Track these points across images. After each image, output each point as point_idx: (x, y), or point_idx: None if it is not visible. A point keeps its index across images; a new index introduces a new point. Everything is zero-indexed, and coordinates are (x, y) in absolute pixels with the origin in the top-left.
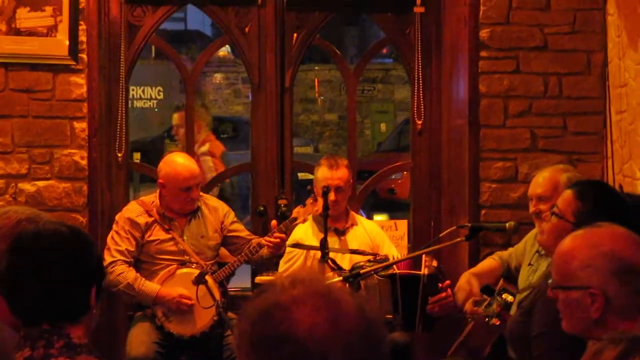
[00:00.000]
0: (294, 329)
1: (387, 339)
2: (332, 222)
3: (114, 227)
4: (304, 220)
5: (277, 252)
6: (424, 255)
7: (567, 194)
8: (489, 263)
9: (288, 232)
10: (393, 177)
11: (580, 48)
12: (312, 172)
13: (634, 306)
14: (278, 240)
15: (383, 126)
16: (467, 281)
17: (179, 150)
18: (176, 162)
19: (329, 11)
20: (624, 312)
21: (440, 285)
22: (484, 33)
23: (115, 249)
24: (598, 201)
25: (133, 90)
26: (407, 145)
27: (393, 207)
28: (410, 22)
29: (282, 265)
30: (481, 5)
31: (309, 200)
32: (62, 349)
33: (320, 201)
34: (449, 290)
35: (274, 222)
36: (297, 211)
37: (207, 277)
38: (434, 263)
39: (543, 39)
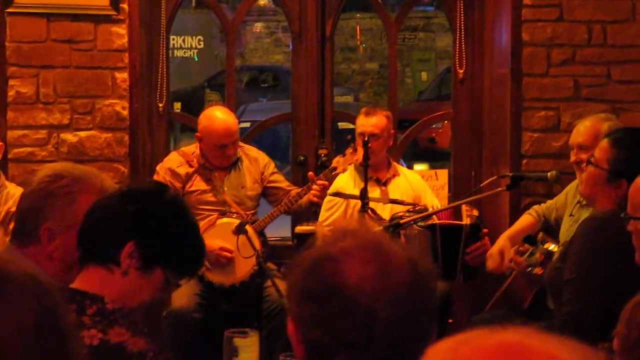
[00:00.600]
0: (342, 280)
1: (436, 293)
2: (373, 172)
3: (155, 177)
4: (344, 170)
5: (321, 200)
6: (464, 205)
7: (604, 142)
8: (525, 220)
9: (328, 181)
10: (434, 126)
11: None
12: (352, 122)
13: None
14: (321, 187)
15: (424, 75)
16: (501, 247)
17: (219, 104)
18: (215, 117)
19: None
20: None
21: (480, 234)
22: None
23: None
24: (632, 148)
25: (173, 39)
26: (448, 94)
27: (434, 157)
28: None
29: (323, 214)
30: None
31: (349, 150)
32: (94, 317)
33: (360, 151)
34: (486, 238)
35: (310, 173)
36: (336, 161)
37: (248, 227)
38: (475, 212)
39: None
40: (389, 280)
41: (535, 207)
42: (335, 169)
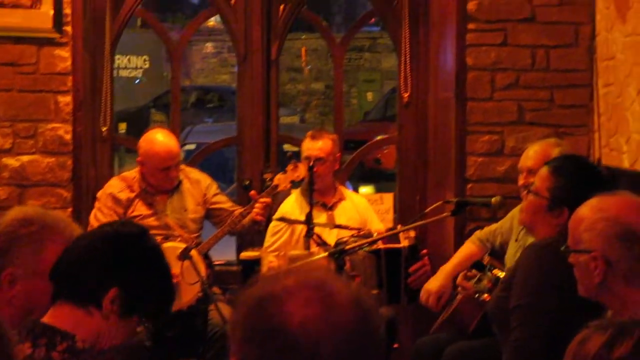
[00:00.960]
0: (285, 321)
1: (382, 329)
2: (319, 197)
3: (96, 204)
4: (285, 188)
5: (264, 218)
6: (399, 227)
7: (543, 170)
8: (468, 249)
9: (270, 199)
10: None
11: (568, 20)
12: (298, 146)
13: (637, 272)
14: (263, 205)
15: (370, 95)
16: (437, 293)
17: (160, 126)
18: (156, 140)
19: None
20: (627, 278)
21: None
22: (471, 5)
23: None
24: (573, 176)
25: (118, 59)
26: (393, 115)
27: (379, 178)
28: None
29: (268, 239)
30: None
31: (290, 167)
32: (64, 354)
33: (303, 168)
34: (426, 259)
35: (253, 192)
36: (278, 178)
37: (192, 252)
38: (412, 233)
39: (531, 10)
40: (332, 320)
41: (477, 233)
42: (277, 186)
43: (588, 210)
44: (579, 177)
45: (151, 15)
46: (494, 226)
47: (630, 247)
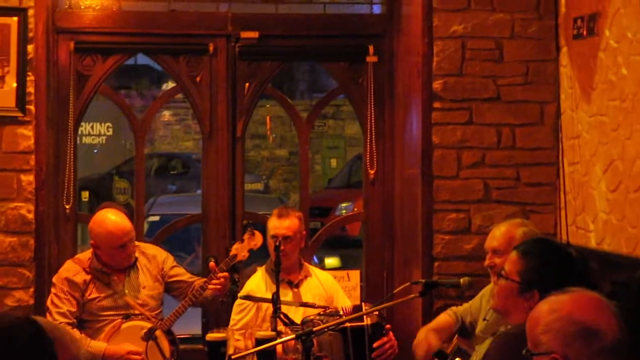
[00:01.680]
0: None
1: None
2: (285, 274)
3: (52, 289)
4: (244, 257)
5: (224, 292)
6: (364, 305)
7: (512, 255)
8: (444, 318)
9: (233, 273)
10: (343, 212)
11: (533, 99)
12: (264, 223)
13: None
14: (222, 280)
15: (334, 162)
16: (426, 336)
17: (109, 205)
18: (107, 221)
19: (281, 61)
20: None
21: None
22: (437, 84)
23: (57, 312)
24: (541, 258)
25: (81, 126)
26: (357, 182)
27: (344, 245)
28: (363, 72)
29: (234, 318)
30: (434, 56)
31: (246, 235)
32: None
33: (259, 236)
34: (390, 334)
35: (211, 263)
36: (235, 248)
37: (157, 332)
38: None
39: (496, 90)
40: None
41: (454, 308)
42: (235, 256)
43: (543, 311)
44: (547, 259)
45: (114, 93)
46: (465, 305)
47: (588, 344)
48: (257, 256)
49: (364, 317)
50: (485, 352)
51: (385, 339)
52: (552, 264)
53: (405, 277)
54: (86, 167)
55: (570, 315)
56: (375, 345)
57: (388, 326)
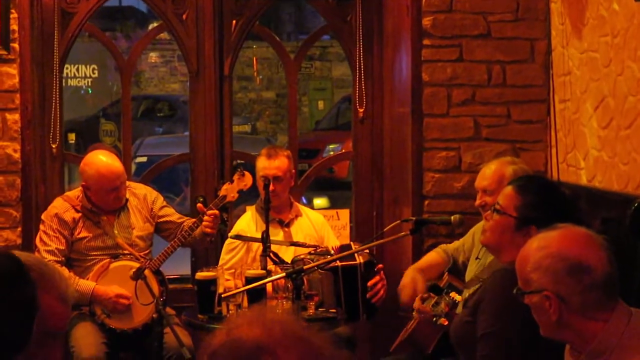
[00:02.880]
0: None
1: None
2: (275, 214)
3: (41, 227)
4: (233, 197)
5: (214, 231)
6: (352, 244)
7: (508, 189)
8: (433, 257)
9: (223, 212)
10: (331, 153)
11: (524, 36)
12: (252, 162)
13: (591, 303)
14: (212, 217)
15: (321, 104)
16: (412, 279)
17: (101, 146)
18: (99, 163)
19: None
20: (582, 310)
21: (375, 269)
22: (426, 21)
23: (45, 250)
24: (538, 194)
25: (67, 69)
26: (345, 123)
27: (332, 187)
28: (351, 9)
29: (223, 257)
30: None
31: (236, 176)
32: None
33: (249, 176)
34: (382, 273)
35: (199, 205)
36: (225, 188)
37: (146, 272)
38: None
39: (486, 26)
40: None
41: (442, 246)
42: (224, 197)
43: (532, 249)
44: (545, 195)
45: (99, 31)
46: (457, 243)
47: (579, 280)
48: (247, 196)
49: (356, 256)
50: (483, 287)
51: (377, 278)
52: (548, 200)
53: (395, 215)
54: (72, 109)
55: (559, 251)
56: (369, 284)
57: (380, 266)
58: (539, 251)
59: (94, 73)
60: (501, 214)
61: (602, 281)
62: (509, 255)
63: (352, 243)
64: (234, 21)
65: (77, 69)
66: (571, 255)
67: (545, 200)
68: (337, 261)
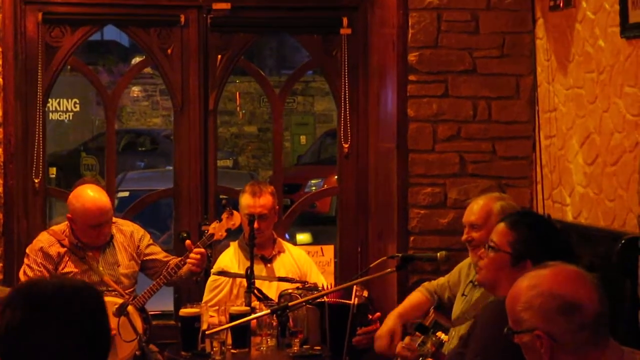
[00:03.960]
0: None
1: None
2: (258, 250)
3: (25, 260)
4: (221, 236)
5: (199, 269)
6: (355, 285)
7: (500, 226)
8: (416, 297)
9: (206, 249)
10: (313, 188)
11: (509, 72)
12: (236, 197)
13: (583, 342)
14: (199, 256)
15: (303, 138)
16: (389, 329)
17: (91, 181)
18: (86, 197)
19: (254, 33)
20: (574, 350)
21: (370, 316)
22: (412, 56)
23: None
24: (531, 229)
25: (49, 102)
26: (327, 158)
27: (315, 222)
28: (337, 44)
29: (207, 294)
30: (409, 28)
31: (225, 215)
32: None
33: (237, 215)
34: (378, 323)
35: (188, 241)
36: (213, 227)
37: (129, 308)
38: (365, 293)
39: (472, 62)
40: None
41: (426, 284)
42: (212, 235)
43: (522, 288)
44: (537, 230)
45: (84, 64)
46: (441, 279)
47: (570, 319)
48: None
49: (352, 296)
50: (475, 318)
51: (373, 327)
52: (541, 235)
53: (380, 251)
54: (53, 143)
55: (550, 290)
56: (361, 331)
57: (378, 314)
58: (530, 290)
59: (75, 107)
60: (496, 250)
61: (594, 320)
62: (505, 291)
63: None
64: (219, 56)
65: (59, 103)
66: (563, 293)
67: (538, 234)
68: (325, 297)
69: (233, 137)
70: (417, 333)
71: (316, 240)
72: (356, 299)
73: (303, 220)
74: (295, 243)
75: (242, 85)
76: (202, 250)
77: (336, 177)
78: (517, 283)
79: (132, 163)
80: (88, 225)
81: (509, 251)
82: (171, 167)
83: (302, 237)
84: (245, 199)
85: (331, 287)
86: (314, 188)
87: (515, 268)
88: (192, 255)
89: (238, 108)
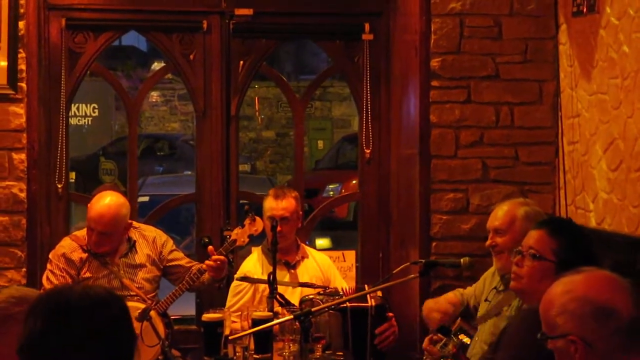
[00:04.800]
0: None
1: None
2: (282, 255)
3: (48, 266)
4: (244, 242)
5: (219, 275)
6: (366, 287)
7: (538, 233)
8: (452, 295)
9: (229, 255)
10: (331, 193)
11: (532, 77)
12: (259, 203)
13: (618, 348)
14: (219, 262)
15: (320, 143)
16: (442, 303)
17: (110, 187)
18: (95, 203)
19: (276, 39)
20: (609, 356)
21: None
22: (434, 62)
23: None
24: (572, 236)
25: None
26: (345, 163)
27: (333, 227)
28: (359, 50)
29: (230, 299)
30: (432, 34)
31: (247, 221)
32: None
33: (260, 221)
34: (393, 320)
35: (210, 247)
36: (235, 233)
37: (152, 313)
38: (379, 293)
39: (495, 68)
40: None
41: (460, 289)
42: (235, 241)
43: (556, 293)
44: (578, 237)
45: (107, 70)
46: (470, 288)
47: (605, 324)
48: (253, 237)
49: (368, 298)
50: (505, 327)
51: (387, 325)
52: (583, 240)
53: (402, 257)
54: (73, 148)
55: (585, 295)
56: (377, 331)
57: (391, 314)
58: (564, 295)
59: (94, 112)
60: (538, 259)
61: (628, 325)
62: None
63: (366, 286)
64: (242, 62)
65: (78, 108)
66: (597, 298)
67: (580, 241)
68: (347, 302)
69: (251, 142)
70: (439, 334)
71: (336, 246)
72: (372, 300)
73: (322, 226)
74: (315, 248)
75: (261, 90)
76: (222, 257)
77: (355, 182)
78: (552, 288)
79: (150, 168)
80: (89, 227)
81: (553, 260)
82: (190, 172)
83: (322, 242)
84: (269, 202)
85: (352, 291)
86: (332, 193)
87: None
88: (207, 262)
89: (257, 113)
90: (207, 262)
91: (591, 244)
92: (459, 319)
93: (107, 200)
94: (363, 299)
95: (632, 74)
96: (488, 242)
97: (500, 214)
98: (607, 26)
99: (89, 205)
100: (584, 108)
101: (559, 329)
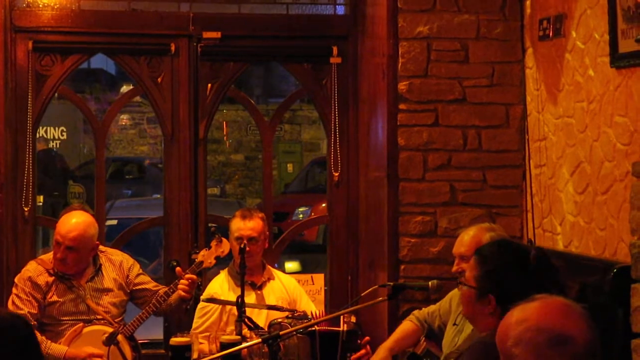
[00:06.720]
0: None
1: None
2: (248, 276)
3: (14, 290)
4: (210, 264)
5: (190, 295)
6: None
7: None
8: (407, 327)
9: (196, 276)
10: (301, 216)
11: (499, 101)
12: (226, 225)
13: None
14: (189, 281)
15: (290, 167)
16: (387, 348)
17: (79, 208)
18: (68, 217)
19: (244, 62)
20: None
21: (359, 341)
22: (402, 85)
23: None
24: (495, 263)
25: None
26: (314, 187)
27: (303, 250)
28: (327, 73)
29: (197, 321)
30: (399, 57)
31: (214, 242)
32: None
33: (226, 242)
34: (367, 347)
35: (178, 268)
36: (202, 255)
37: (119, 337)
38: (352, 319)
39: (462, 91)
40: None
41: (416, 312)
42: (201, 263)
43: (511, 323)
44: (503, 263)
45: (74, 93)
46: (432, 307)
47: (562, 352)
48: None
49: (341, 322)
50: (460, 357)
51: (363, 351)
52: (507, 267)
53: (371, 280)
54: (40, 171)
55: (538, 324)
56: (353, 357)
57: (367, 338)
58: (519, 325)
59: (62, 135)
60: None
61: (584, 351)
62: (482, 325)
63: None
64: (210, 85)
65: (46, 131)
66: (551, 327)
67: (503, 268)
68: (316, 326)
69: (220, 165)
70: None
71: (304, 269)
72: (345, 325)
73: (291, 249)
74: (284, 271)
75: (229, 113)
76: (193, 276)
77: (324, 205)
78: (506, 318)
79: (119, 191)
80: (55, 241)
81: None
82: (158, 195)
83: (291, 265)
84: (236, 223)
85: (321, 315)
86: (301, 216)
87: (480, 303)
88: (182, 281)
89: (225, 137)
90: (180, 285)
91: (523, 270)
92: (424, 340)
93: (77, 217)
94: (335, 323)
95: (598, 98)
96: (454, 268)
97: (466, 239)
98: (573, 50)
99: (58, 222)
100: (551, 131)
101: (517, 359)
